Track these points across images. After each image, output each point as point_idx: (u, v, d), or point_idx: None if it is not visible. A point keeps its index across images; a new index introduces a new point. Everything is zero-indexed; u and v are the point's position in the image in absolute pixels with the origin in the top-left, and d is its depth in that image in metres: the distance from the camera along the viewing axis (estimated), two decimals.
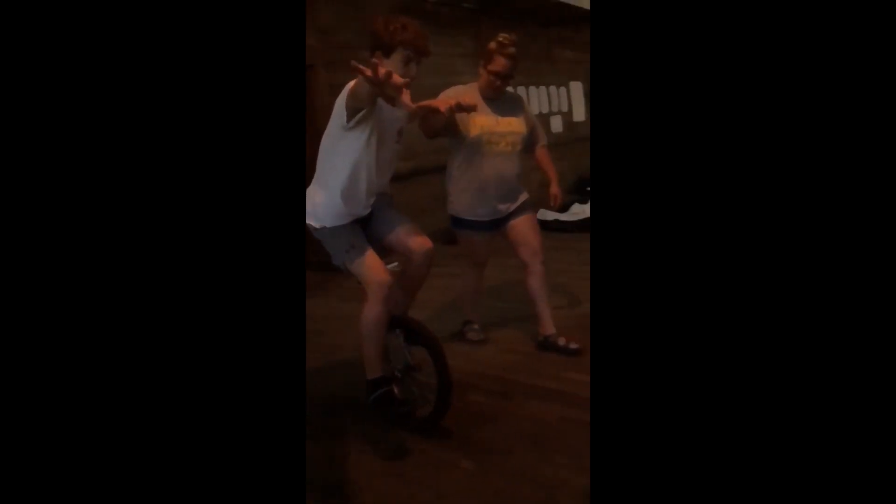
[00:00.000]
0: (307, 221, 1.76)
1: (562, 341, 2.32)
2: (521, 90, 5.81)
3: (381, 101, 1.61)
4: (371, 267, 1.73)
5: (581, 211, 5.37)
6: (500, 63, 2.14)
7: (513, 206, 2.31)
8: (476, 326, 2.56)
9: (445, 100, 1.81)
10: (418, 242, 1.83)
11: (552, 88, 6.79)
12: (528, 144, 2.34)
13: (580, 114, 7.19)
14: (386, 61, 1.63)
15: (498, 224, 2.33)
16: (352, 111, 1.58)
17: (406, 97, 1.73)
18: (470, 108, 1.79)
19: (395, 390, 1.81)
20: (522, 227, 2.31)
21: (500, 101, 2.23)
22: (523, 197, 2.35)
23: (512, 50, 2.14)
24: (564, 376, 2.13)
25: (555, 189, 2.31)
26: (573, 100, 7.23)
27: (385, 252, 1.85)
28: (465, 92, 2.16)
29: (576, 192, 5.93)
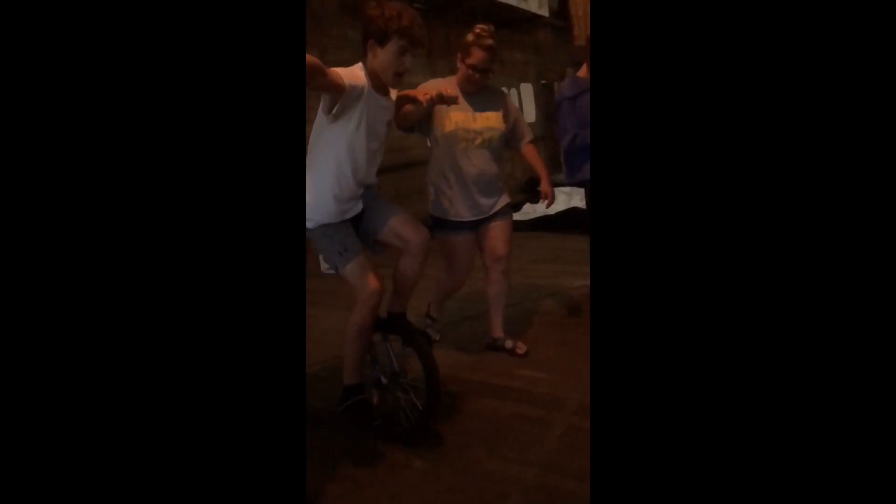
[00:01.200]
0: None
1: (509, 344, 2.34)
2: None
3: (369, 90, 1.56)
4: (364, 273, 1.65)
5: (532, 210, 5.45)
6: (477, 56, 2.04)
7: (494, 208, 2.21)
8: (437, 326, 2.51)
9: (425, 91, 1.75)
10: (413, 231, 1.73)
11: (503, 90, 6.87)
12: (511, 141, 2.26)
13: (531, 115, 7.31)
14: (379, 50, 1.57)
15: (477, 225, 2.23)
16: (332, 101, 1.51)
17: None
18: (451, 100, 1.73)
19: (374, 399, 1.74)
20: (495, 232, 2.22)
21: (478, 95, 2.12)
22: (504, 200, 2.26)
23: (490, 42, 2.05)
24: (516, 373, 2.16)
25: (545, 187, 2.23)
26: (524, 101, 7.35)
27: (380, 248, 1.78)
28: (443, 85, 1.99)
29: (526, 192, 6.03)
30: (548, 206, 2.31)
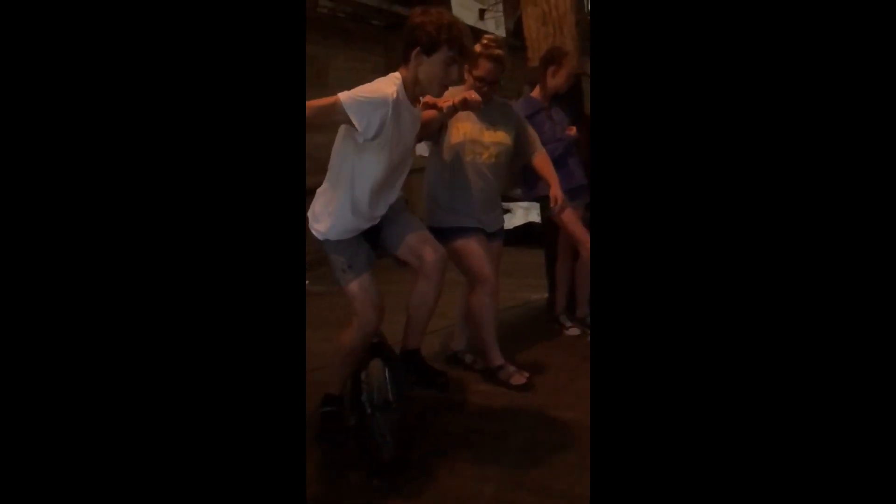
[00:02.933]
0: (314, 226, 1.60)
1: (468, 358, 2.34)
2: None
3: (397, 101, 1.45)
4: (365, 296, 1.56)
5: None
6: (485, 67, 1.93)
7: (493, 227, 2.12)
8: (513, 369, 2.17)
9: (448, 98, 1.68)
10: (430, 250, 1.61)
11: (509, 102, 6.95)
12: (522, 154, 2.15)
13: None
14: (425, 59, 1.47)
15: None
16: (377, 123, 1.40)
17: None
18: (476, 106, 1.67)
19: (350, 422, 1.67)
20: (490, 254, 2.09)
21: (486, 108, 1.95)
22: (501, 221, 2.19)
23: (498, 52, 1.94)
24: (474, 388, 2.16)
25: (556, 191, 2.10)
26: None
27: (399, 263, 1.70)
28: (456, 94, 1.82)
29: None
30: (559, 212, 2.16)
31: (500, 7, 7.62)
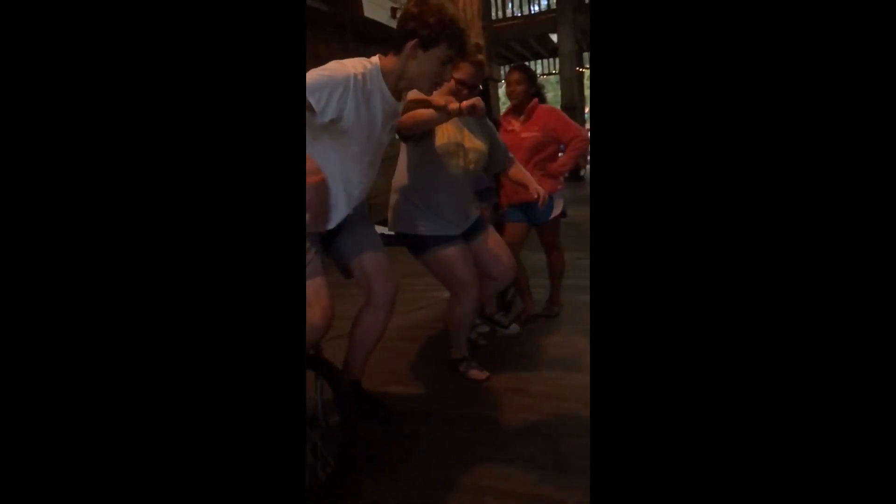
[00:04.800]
0: None
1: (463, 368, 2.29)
2: None
3: (372, 86, 1.32)
4: (313, 303, 1.37)
5: None
6: (465, 70, 1.88)
7: (468, 224, 2.06)
8: (474, 362, 2.22)
9: (451, 99, 1.58)
10: (381, 281, 1.47)
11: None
12: (498, 162, 2.11)
13: None
14: (421, 53, 1.36)
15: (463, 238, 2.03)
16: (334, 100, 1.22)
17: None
18: (481, 113, 1.56)
19: None
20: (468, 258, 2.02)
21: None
22: (475, 215, 2.12)
23: (480, 57, 1.90)
24: (387, 391, 2.16)
25: (536, 187, 2.04)
26: None
27: (345, 273, 1.54)
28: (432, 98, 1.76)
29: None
30: (541, 205, 2.14)
31: None
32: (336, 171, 1.37)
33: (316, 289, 1.39)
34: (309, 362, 1.51)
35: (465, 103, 1.58)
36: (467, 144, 1.96)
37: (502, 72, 9.81)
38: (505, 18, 12.50)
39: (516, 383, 2.14)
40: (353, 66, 1.33)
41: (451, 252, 1.93)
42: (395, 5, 7.25)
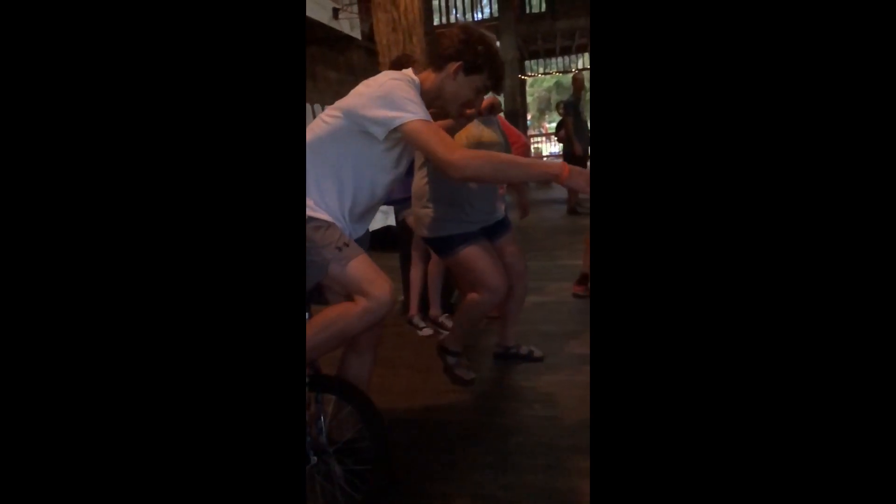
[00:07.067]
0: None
1: (524, 350, 2.34)
2: None
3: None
4: (372, 280, 1.28)
5: None
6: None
7: (493, 220, 2.06)
8: (464, 361, 2.21)
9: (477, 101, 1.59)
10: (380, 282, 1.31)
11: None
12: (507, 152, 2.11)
13: None
14: (462, 77, 1.42)
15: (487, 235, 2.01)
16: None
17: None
18: (498, 109, 1.67)
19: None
20: (511, 248, 2.06)
21: None
22: (500, 213, 2.12)
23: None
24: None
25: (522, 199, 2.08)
26: None
27: (320, 297, 1.41)
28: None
29: None
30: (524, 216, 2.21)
31: (356, 8, 7.58)
32: (373, 186, 1.40)
33: (368, 264, 1.32)
34: (320, 383, 1.37)
35: (483, 104, 1.66)
36: (486, 140, 1.98)
37: None
38: (448, 25, 12.63)
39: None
40: (410, 85, 1.36)
41: (470, 252, 1.90)
42: (338, 6, 7.17)
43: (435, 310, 2.81)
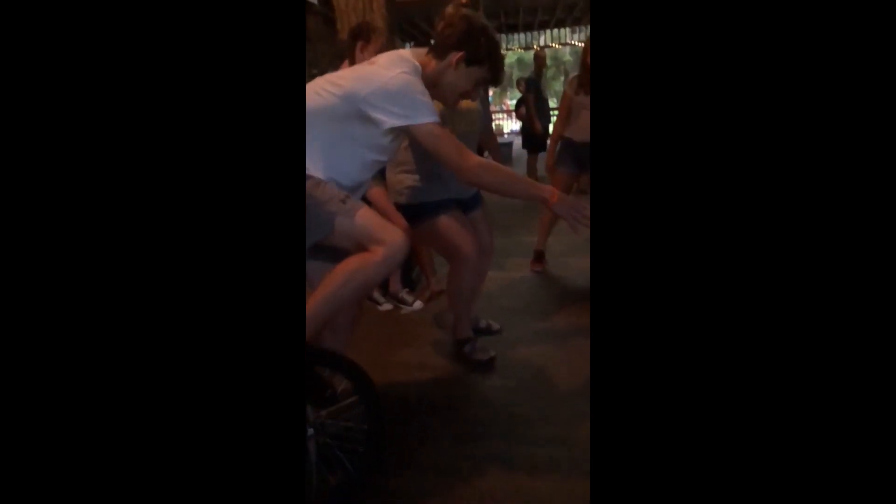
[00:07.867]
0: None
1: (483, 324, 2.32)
2: None
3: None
4: (384, 225, 1.30)
5: None
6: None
7: (468, 192, 2.06)
8: (478, 344, 2.13)
9: None
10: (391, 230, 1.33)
11: None
12: (486, 120, 2.13)
13: None
14: (463, 67, 1.41)
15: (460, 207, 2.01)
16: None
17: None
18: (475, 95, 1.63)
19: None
20: (481, 225, 2.08)
21: None
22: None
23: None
24: None
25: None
26: None
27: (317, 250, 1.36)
28: None
29: None
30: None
31: None
32: (356, 155, 1.37)
33: (373, 213, 1.34)
34: (319, 357, 1.34)
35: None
36: (463, 106, 1.95)
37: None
38: None
39: (420, 357, 2.17)
40: (417, 80, 1.34)
41: (441, 220, 1.91)
42: None
43: (395, 285, 2.80)
